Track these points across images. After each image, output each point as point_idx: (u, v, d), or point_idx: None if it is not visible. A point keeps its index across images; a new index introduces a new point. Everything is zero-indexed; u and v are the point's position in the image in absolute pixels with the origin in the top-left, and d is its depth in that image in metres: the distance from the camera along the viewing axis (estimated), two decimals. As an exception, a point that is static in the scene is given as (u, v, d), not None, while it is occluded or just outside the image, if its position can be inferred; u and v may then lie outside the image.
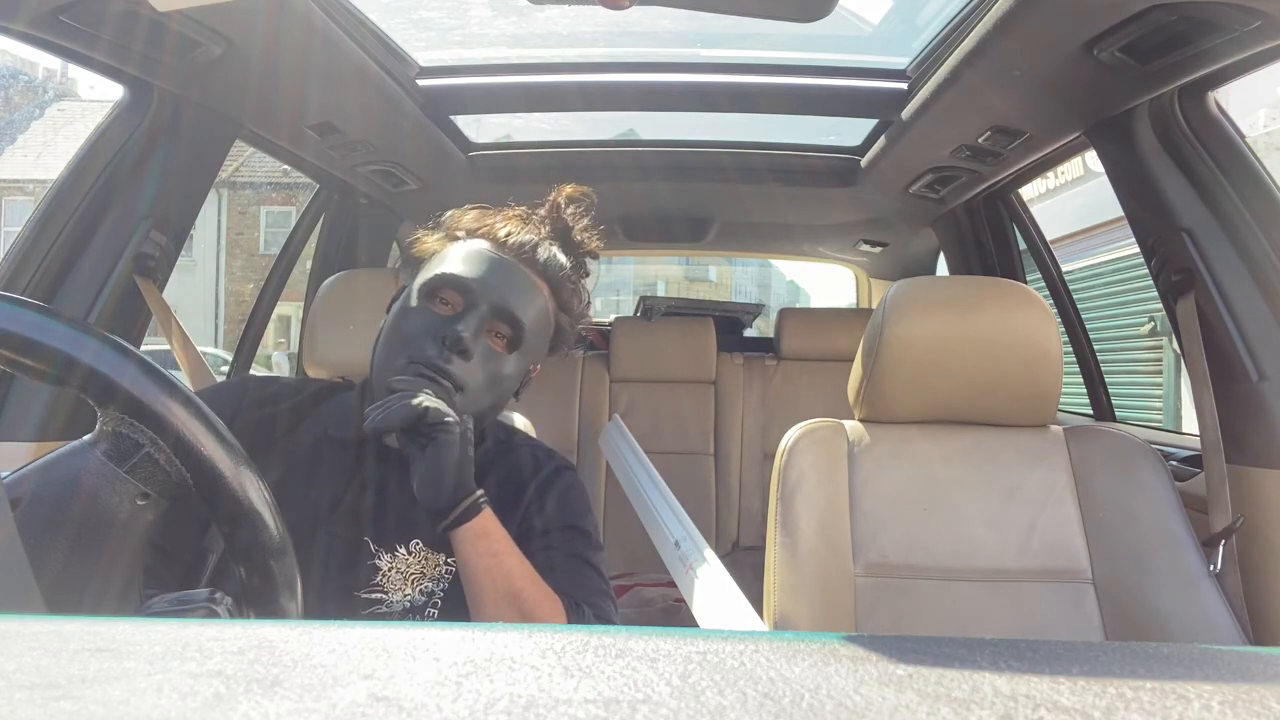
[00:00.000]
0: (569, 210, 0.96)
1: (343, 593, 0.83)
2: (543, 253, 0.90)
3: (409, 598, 0.85)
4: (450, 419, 0.78)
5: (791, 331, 2.56)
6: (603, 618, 0.85)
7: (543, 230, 0.94)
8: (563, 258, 0.92)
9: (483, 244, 0.89)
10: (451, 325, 0.82)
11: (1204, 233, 1.21)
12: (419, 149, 1.86)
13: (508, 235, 0.89)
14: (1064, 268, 2.09)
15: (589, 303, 1.00)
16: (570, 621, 0.82)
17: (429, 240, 0.93)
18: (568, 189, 0.97)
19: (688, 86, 1.70)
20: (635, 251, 4.54)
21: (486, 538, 0.80)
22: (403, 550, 0.85)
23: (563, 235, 0.95)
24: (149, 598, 0.52)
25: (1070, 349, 1.92)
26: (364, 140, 1.71)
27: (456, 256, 0.87)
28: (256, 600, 0.52)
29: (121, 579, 0.50)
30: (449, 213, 0.95)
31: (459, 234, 0.91)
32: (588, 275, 0.98)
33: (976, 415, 1.18)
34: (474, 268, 0.85)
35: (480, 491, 0.81)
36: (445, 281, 0.85)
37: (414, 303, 0.86)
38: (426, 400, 0.77)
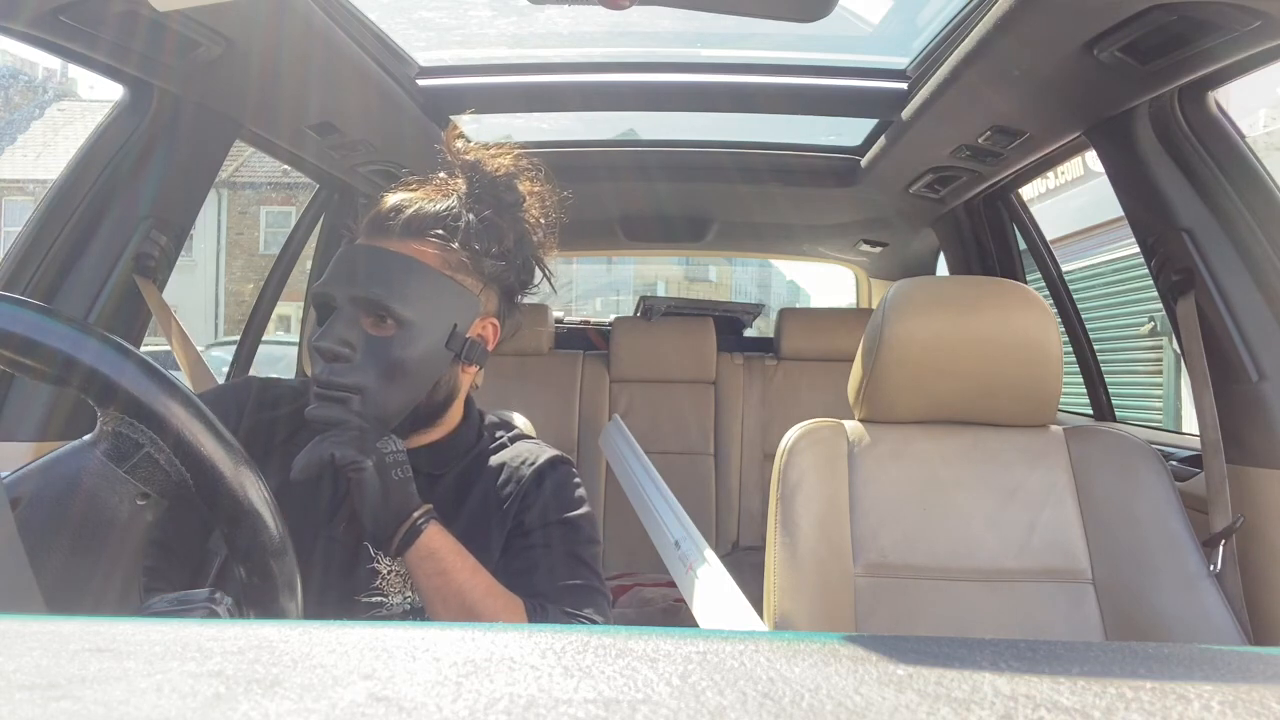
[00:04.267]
0: (470, 147, 0.90)
1: (343, 596, 0.83)
2: (405, 213, 0.85)
3: (409, 600, 0.85)
4: (358, 460, 0.78)
5: (791, 331, 2.56)
6: (575, 615, 0.84)
7: (426, 190, 0.90)
8: (438, 207, 0.86)
9: (356, 241, 0.88)
10: (316, 344, 0.82)
11: (1204, 233, 1.21)
12: (419, 149, 1.85)
13: (371, 216, 0.88)
14: (1064, 268, 2.09)
15: (543, 226, 0.93)
16: (532, 621, 0.81)
17: None
18: (455, 129, 0.93)
19: (688, 86, 1.70)
20: (635, 251, 4.54)
21: (433, 557, 0.80)
22: None
23: (475, 177, 0.89)
24: (151, 596, 0.52)
25: (1070, 349, 1.92)
26: (364, 140, 1.70)
27: (331, 266, 0.87)
28: (256, 600, 0.52)
29: (121, 579, 0.50)
30: None
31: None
32: (517, 203, 0.90)
33: (976, 415, 1.18)
34: (332, 271, 0.85)
35: (421, 512, 0.81)
36: (316, 298, 0.86)
37: (315, 332, 0.86)
38: (332, 447, 0.78)
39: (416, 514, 0.80)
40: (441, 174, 0.92)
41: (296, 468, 0.78)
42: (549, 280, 0.98)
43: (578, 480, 0.94)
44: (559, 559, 0.87)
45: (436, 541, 0.81)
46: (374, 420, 0.81)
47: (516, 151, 0.92)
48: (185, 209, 1.40)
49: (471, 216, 0.87)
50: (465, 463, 0.93)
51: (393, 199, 0.89)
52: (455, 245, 0.86)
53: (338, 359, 0.81)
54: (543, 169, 0.94)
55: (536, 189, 0.93)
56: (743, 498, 2.48)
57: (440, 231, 0.86)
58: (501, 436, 0.97)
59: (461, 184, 0.90)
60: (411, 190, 0.90)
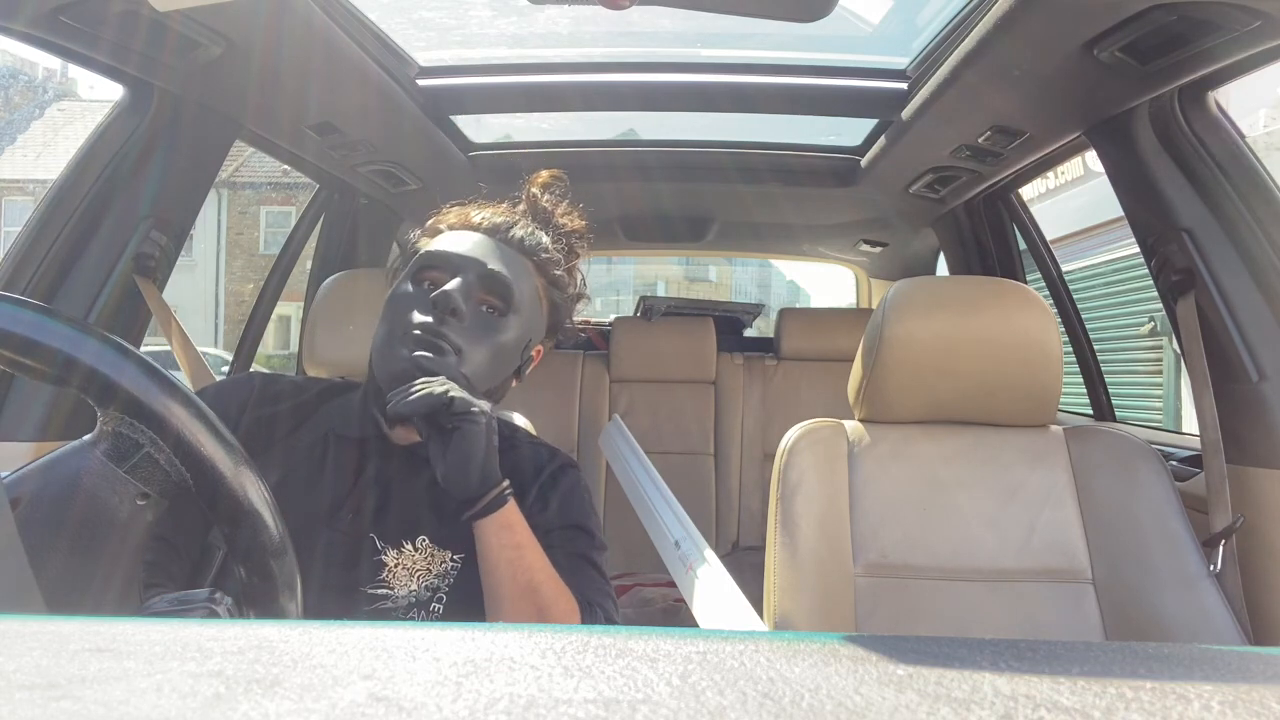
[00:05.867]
0: (545, 198, 0.98)
1: (348, 589, 0.84)
2: (518, 231, 0.92)
3: (414, 593, 0.85)
4: (475, 408, 0.78)
5: (791, 331, 2.56)
6: (607, 619, 0.86)
7: (520, 217, 0.95)
8: (543, 238, 0.94)
9: (464, 230, 0.92)
10: (441, 291, 0.83)
11: (1204, 233, 1.21)
12: (419, 149, 1.85)
13: (482, 220, 0.92)
14: (1064, 268, 2.09)
15: (584, 284, 1.01)
16: (584, 620, 0.82)
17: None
18: (541, 176, 0.99)
19: (688, 86, 1.70)
20: (635, 251, 4.54)
21: (510, 530, 0.81)
22: (408, 546, 0.86)
23: (544, 221, 0.97)
24: (153, 593, 0.52)
25: (1070, 349, 1.92)
26: (364, 140, 1.70)
27: (440, 241, 0.90)
28: (256, 600, 0.52)
29: (121, 579, 0.50)
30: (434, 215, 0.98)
31: (440, 229, 0.94)
32: (579, 256, 0.99)
33: (977, 415, 1.18)
34: (457, 244, 0.88)
35: (506, 483, 0.82)
36: (430, 260, 0.87)
37: (405, 288, 0.87)
38: (453, 390, 0.77)
39: (505, 482, 0.81)
40: (506, 203, 0.98)
41: (397, 404, 0.77)
42: (575, 328, 1.04)
43: (586, 486, 0.96)
44: (576, 563, 0.88)
45: (515, 515, 0.81)
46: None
47: (578, 211, 1.01)
48: (185, 209, 1.40)
49: (560, 258, 0.95)
50: None
51: (484, 214, 0.93)
52: (559, 273, 0.94)
53: (455, 314, 0.83)
54: (592, 238, 1.02)
55: (583, 248, 1.01)
56: (743, 498, 2.48)
57: (544, 257, 0.93)
58: (508, 436, 0.97)
59: (527, 217, 0.96)
60: (505, 214, 0.94)
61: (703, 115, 1.91)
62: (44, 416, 1.19)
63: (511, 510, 0.81)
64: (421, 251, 0.89)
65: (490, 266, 0.86)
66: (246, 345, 2.02)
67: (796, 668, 0.25)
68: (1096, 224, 6.18)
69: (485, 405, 0.81)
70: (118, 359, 0.49)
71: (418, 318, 0.83)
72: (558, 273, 0.94)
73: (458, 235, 0.90)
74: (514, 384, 0.95)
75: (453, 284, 0.84)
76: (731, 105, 1.77)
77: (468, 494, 0.80)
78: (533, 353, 0.95)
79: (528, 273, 0.91)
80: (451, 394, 0.77)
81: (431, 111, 1.72)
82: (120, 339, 0.50)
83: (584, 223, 1.01)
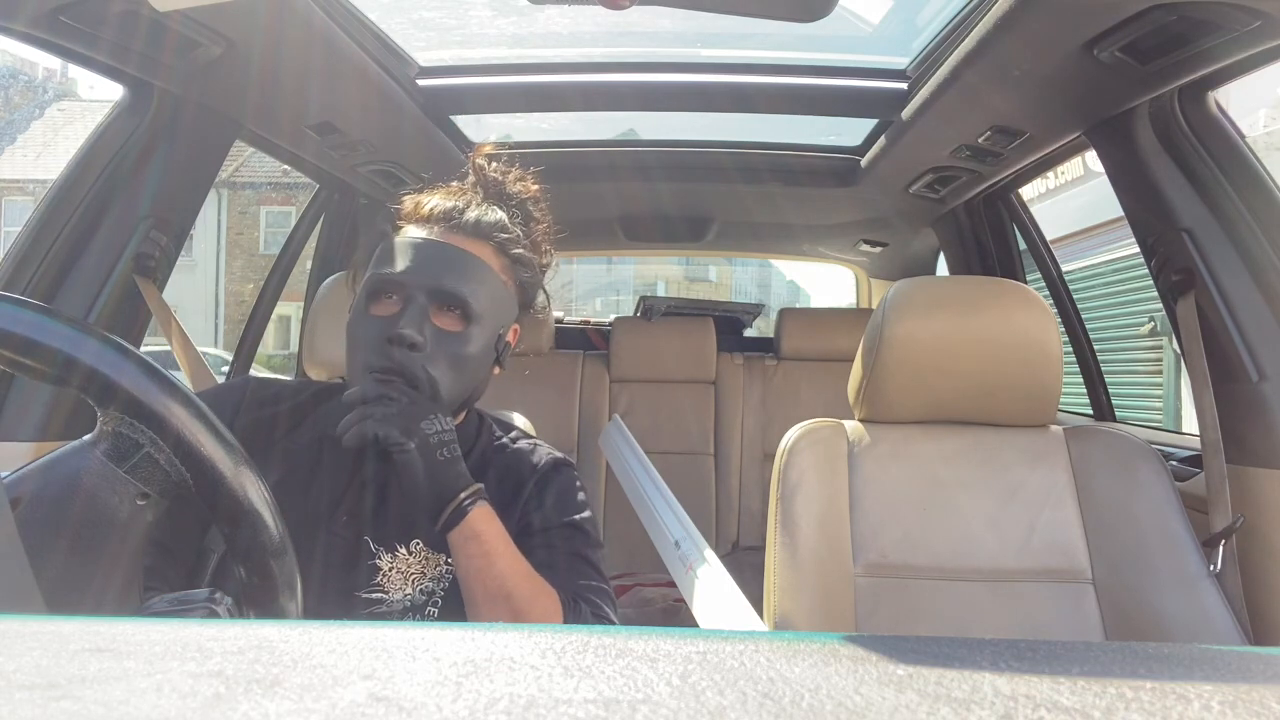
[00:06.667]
0: (492, 167, 0.96)
1: (343, 592, 0.84)
2: (470, 214, 0.89)
3: (409, 597, 0.85)
4: (401, 441, 0.78)
5: (791, 331, 2.56)
6: (600, 615, 0.85)
7: (472, 195, 0.94)
8: (496, 214, 0.91)
9: (413, 230, 0.89)
10: (394, 325, 0.82)
11: (1204, 233, 1.21)
12: (419, 149, 1.85)
13: (432, 209, 0.90)
14: (1064, 268, 2.09)
15: (549, 251, 0.99)
16: (567, 618, 0.82)
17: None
18: (485, 147, 0.97)
19: (688, 86, 1.70)
20: (635, 251, 4.54)
21: (477, 539, 0.80)
22: (403, 550, 0.86)
23: (496, 192, 0.95)
24: (150, 596, 0.52)
25: (1070, 349, 1.92)
26: (364, 140, 1.71)
27: (387, 254, 0.88)
28: (256, 600, 0.52)
29: (121, 579, 0.50)
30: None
31: (390, 228, 0.93)
32: (539, 223, 0.97)
33: (977, 415, 1.18)
34: (403, 259, 0.86)
35: (468, 493, 0.81)
36: (379, 283, 0.86)
37: (361, 310, 0.86)
38: (375, 427, 0.78)
39: (464, 494, 0.81)
40: (456, 182, 0.96)
41: (348, 439, 0.78)
42: (547, 296, 1.03)
43: (580, 483, 0.96)
44: (570, 560, 0.88)
45: (482, 524, 0.81)
46: (428, 403, 0.82)
47: (530, 175, 0.98)
48: (185, 209, 1.40)
49: (520, 232, 0.93)
50: (470, 461, 0.93)
51: (435, 200, 0.91)
52: (519, 250, 0.92)
53: (415, 347, 0.82)
54: (548, 198, 1.00)
55: (541, 211, 0.98)
56: (743, 498, 2.48)
57: (502, 236, 0.90)
58: (502, 436, 0.97)
59: (478, 194, 0.94)
60: (456, 195, 0.93)
61: (703, 115, 1.91)
62: (44, 416, 1.19)
63: (478, 519, 0.81)
64: (368, 277, 0.87)
65: (441, 281, 0.84)
66: (246, 345, 2.02)
67: (796, 668, 0.25)
68: (1096, 224, 6.18)
69: (410, 440, 0.79)
70: (118, 359, 0.49)
71: (377, 357, 0.82)
72: (519, 250, 0.92)
73: (404, 242, 0.88)
74: (496, 371, 0.94)
75: (406, 316, 0.82)
76: (731, 105, 1.77)
77: (426, 512, 0.81)
78: (509, 338, 0.94)
79: (486, 260, 0.88)
80: (376, 432, 0.78)
81: (431, 111, 1.72)
82: (120, 339, 0.50)
83: (538, 187, 0.98)
